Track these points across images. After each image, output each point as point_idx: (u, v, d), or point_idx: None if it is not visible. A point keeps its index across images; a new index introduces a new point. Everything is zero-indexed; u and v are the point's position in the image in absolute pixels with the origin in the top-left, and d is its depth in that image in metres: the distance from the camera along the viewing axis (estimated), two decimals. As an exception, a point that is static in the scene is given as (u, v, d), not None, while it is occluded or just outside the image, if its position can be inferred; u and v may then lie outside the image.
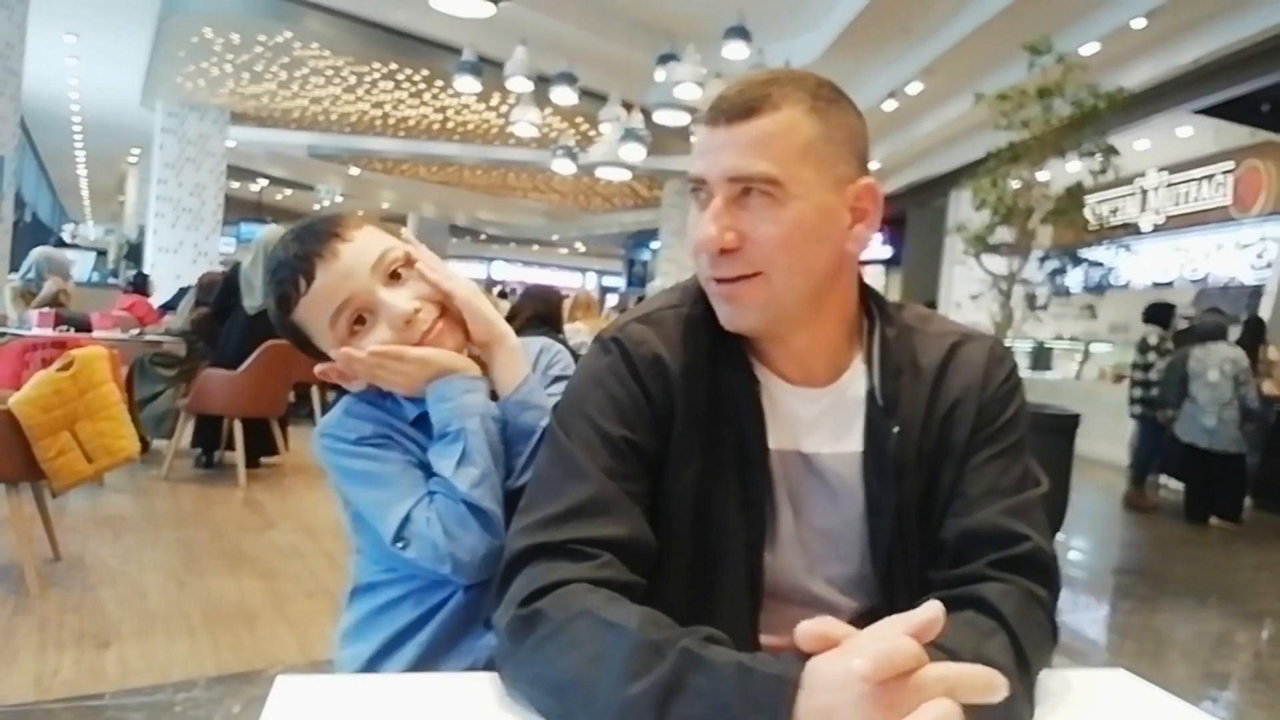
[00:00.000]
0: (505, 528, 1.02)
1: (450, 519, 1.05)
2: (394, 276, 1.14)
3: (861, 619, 1.01)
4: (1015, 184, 5.65)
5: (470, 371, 1.15)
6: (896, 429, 1.01)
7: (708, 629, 0.78)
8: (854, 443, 1.03)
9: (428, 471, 1.12)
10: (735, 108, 0.95)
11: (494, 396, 1.17)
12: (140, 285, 9.04)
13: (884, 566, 1.03)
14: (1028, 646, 0.86)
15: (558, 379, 1.26)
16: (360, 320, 1.13)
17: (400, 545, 1.05)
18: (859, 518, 1.03)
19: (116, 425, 3.65)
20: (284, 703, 0.76)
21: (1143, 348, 7.45)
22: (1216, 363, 6.78)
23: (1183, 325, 7.76)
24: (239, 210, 20.71)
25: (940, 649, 0.76)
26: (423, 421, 1.15)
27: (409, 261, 1.16)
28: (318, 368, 1.19)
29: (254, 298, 5.86)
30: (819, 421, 1.03)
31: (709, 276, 0.98)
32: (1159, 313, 7.50)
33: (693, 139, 0.99)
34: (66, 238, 20.58)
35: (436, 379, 1.13)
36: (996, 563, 0.94)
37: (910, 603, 0.90)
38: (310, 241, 1.13)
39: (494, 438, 1.12)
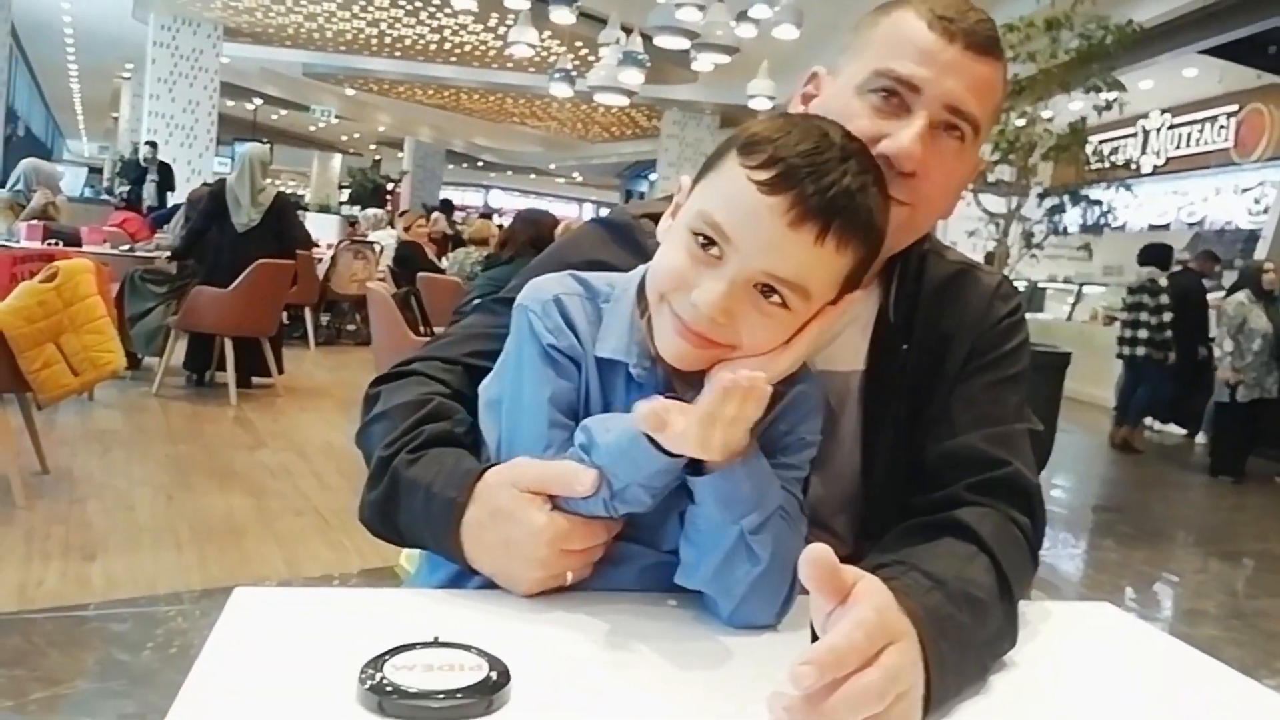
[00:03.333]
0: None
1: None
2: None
3: (849, 538, 1.02)
4: (1018, 119, 5.57)
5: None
6: (906, 347, 1.00)
7: (438, 426, 0.91)
8: (857, 361, 1.01)
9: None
10: (978, 40, 0.90)
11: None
12: (133, 202, 8.96)
13: (873, 488, 1.02)
14: (1008, 569, 0.85)
15: (802, 444, 0.88)
16: (714, 249, 0.77)
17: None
18: (851, 436, 1.02)
19: (103, 339, 3.65)
20: (241, 613, 0.75)
21: (1138, 289, 7.34)
22: (1249, 310, 6.64)
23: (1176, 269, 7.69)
24: (233, 129, 20.37)
25: (927, 576, 0.77)
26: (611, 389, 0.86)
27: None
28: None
29: (242, 214, 5.81)
30: None
31: None
32: (1158, 254, 7.40)
33: (885, 26, 0.77)
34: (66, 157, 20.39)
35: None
36: (973, 485, 0.93)
37: (891, 525, 0.93)
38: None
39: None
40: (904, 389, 1.01)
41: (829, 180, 0.75)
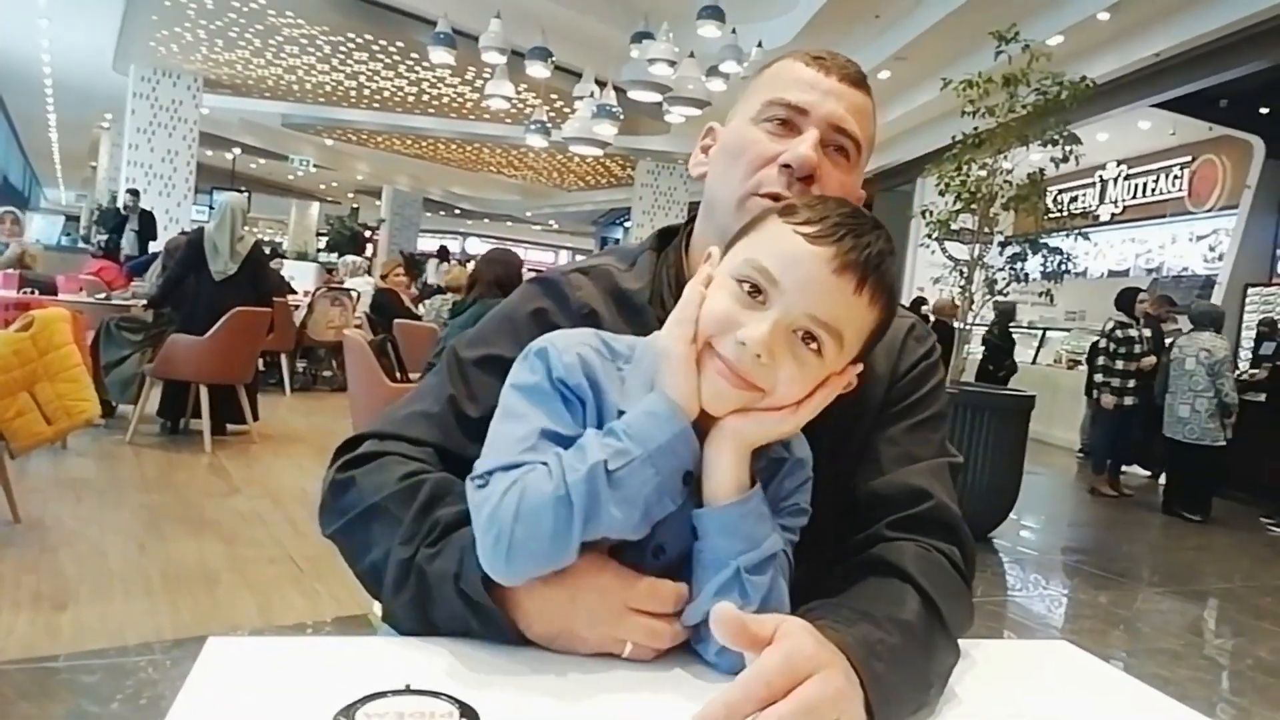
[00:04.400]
0: None
1: (535, 497, 0.77)
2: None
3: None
4: (979, 170, 5.75)
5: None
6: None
7: (447, 511, 0.87)
8: None
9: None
10: (848, 73, 1.04)
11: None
12: (110, 251, 8.99)
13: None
14: (934, 593, 0.88)
15: (798, 510, 0.92)
16: (759, 295, 0.82)
17: (478, 483, 0.81)
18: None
19: (77, 387, 3.67)
20: (214, 663, 0.76)
21: (1109, 334, 7.43)
22: (1194, 351, 6.86)
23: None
24: (212, 179, 20.45)
25: (854, 610, 0.82)
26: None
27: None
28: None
29: (220, 262, 5.86)
30: None
31: (769, 193, 0.99)
32: (1126, 298, 7.55)
33: (772, 70, 0.86)
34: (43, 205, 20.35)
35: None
36: (895, 523, 0.97)
37: (826, 554, 0.97)
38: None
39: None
40: (827, 426, 1.03)
41: (866, 240, 0.83)
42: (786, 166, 0.99)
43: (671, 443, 0.80)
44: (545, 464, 0.78)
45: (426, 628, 0.85)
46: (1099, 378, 7.50)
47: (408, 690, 0.69)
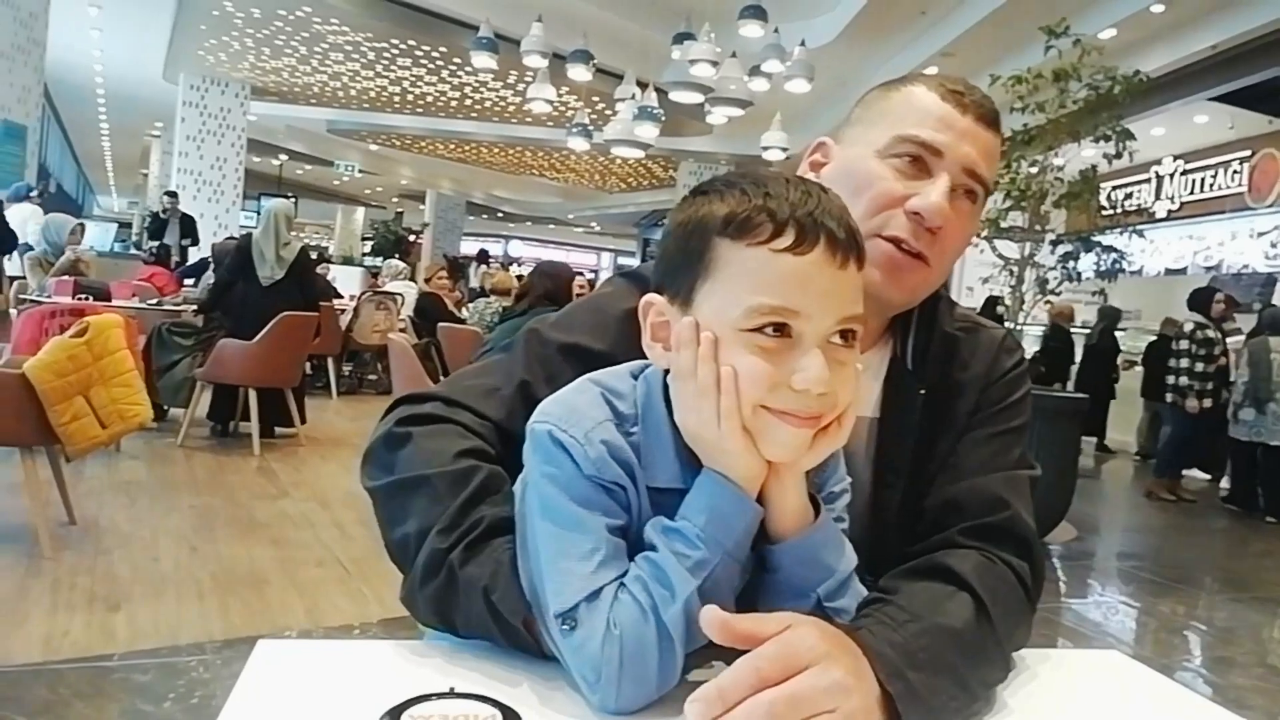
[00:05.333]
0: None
1: (635, 644, 0.72)
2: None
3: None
4: (1030, 168, 5.64)
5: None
6: (923, 391, 1.04)
7: (494, 512, 0.84)
8: (869, 407, 1.04)
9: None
10: (986, 112, 1.00)
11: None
12: (162, 257, 9.14)
13: (883, 531, 1.03)
14: (990, 603, 0.86)
15: (834, 496, 0.89)
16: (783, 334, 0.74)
17: (566, 626, 0.74)
18: (862, 481, 1.02)
19: (130, 391, 3.72)
20: (264, 665, 0.77)
21: (1189, 335, 7.25)
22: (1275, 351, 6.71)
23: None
24: (259, 184, 20.79)
25: (902, 610, 0.80)
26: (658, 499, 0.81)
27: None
28: None
29: (266, 268, 5.93)
30: None
31: (892, 236, 0.97)
32: (1201, 299, 7.41)
33: (900, 95, 0.79)
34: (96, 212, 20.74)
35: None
36: (967, 530, 0.95)
37: (890, 569, 0.94)
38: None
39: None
40: (915, 436, 1.04)
41: (833, 214, 0.76)
42: (916, 214, 0.96)
43: (748, 529, 0.76)
44: (627, 588, 0.73)
45: (442, 621, 0.84)
46: (1183, 380, 7.21)
47: (452, 694, 0.70)
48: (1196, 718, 0.86)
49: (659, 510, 0.78)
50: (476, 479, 0.87)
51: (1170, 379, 7.32)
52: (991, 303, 8.19)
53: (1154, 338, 9.27)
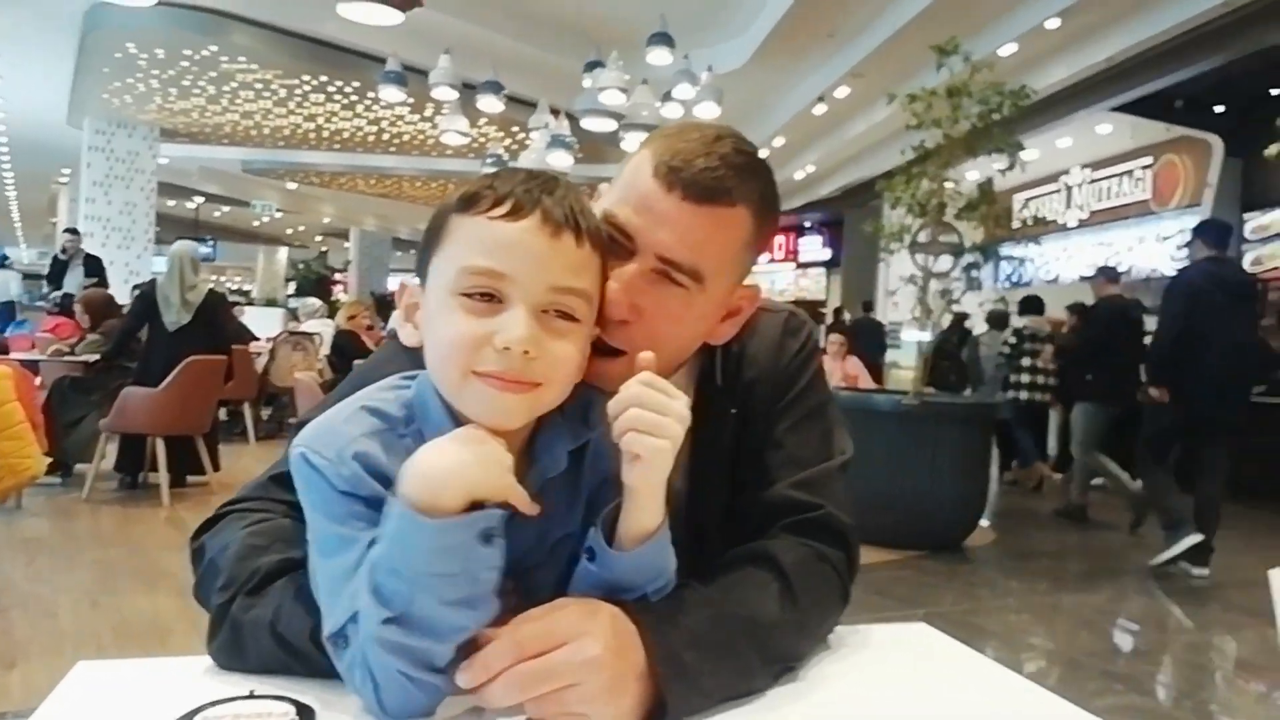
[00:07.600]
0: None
1: (378, 664, 0.71)
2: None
3: None
4: (931, 183, 5.79)
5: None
6: (734, 410, 1.05)
7: (269, 559, 0.84)
8: None
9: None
10: (697, 190, 0.90)
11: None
12: (66, 307, 8.81)
13: (705, 542, 1.02)
14: (800, 590, 0.90)
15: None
16: (491, 298, 0.77)
17: (339, 646, 0.73)
18: (680, 494, 1.00)
19: (20, 444, 3.59)
20: (78, 686, 0.78)
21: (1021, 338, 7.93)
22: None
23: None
24: (176, 229, 20.24)
25: (701, 591, 0.85)
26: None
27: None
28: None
29: (172, 313, 5.79)
30: None
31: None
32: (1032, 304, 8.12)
33: (632, 170, 0.91)
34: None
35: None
36: (788, 527, 0.99)
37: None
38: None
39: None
40: (729, 448, 1.06)
41: (559, 193, 0.79)
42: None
43: (434, 549, 0.68)
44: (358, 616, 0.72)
45: (243, 666, 0.82)
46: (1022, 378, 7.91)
47: (251, 696, 0.72)
48: (1001, 687, 0.90)
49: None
50: (254, 540, 0.87)
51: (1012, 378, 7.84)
52: (959, 319, 8.54)
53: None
